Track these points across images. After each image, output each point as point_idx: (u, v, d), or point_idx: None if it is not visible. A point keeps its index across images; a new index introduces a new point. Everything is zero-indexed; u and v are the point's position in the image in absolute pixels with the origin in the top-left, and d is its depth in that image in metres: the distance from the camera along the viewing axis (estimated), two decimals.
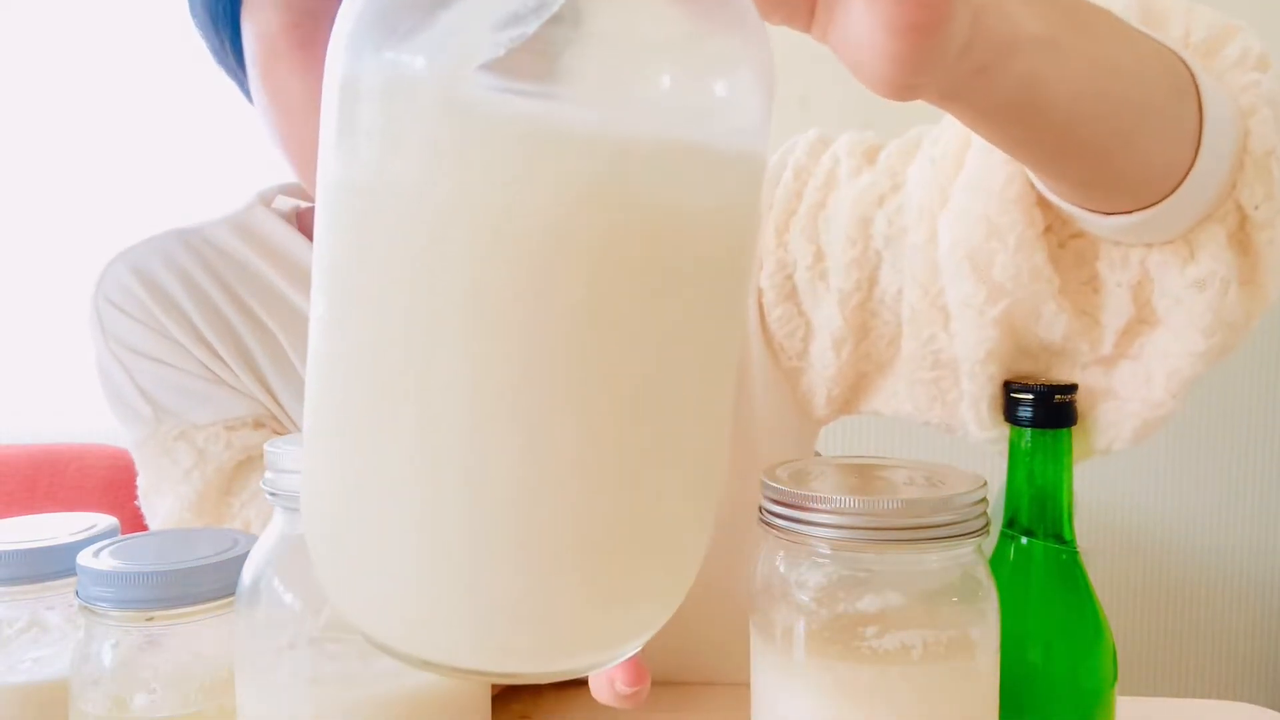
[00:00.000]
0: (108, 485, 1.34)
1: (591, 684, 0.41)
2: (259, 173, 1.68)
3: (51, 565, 0.50)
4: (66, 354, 1.64)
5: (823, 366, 0.64)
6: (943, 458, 0.51)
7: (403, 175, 0.23)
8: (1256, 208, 0.48)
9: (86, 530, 0.52)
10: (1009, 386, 0.50)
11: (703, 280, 0.25)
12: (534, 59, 0.22)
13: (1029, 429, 0.49)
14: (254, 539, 0.46)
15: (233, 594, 0.45)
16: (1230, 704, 0.66)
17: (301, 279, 0.69)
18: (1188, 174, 0.46)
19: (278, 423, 0.71)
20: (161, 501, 0.69)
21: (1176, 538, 1.74)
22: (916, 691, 0.41)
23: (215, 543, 0.49)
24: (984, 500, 0.42)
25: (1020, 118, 0.41)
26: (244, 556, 0.45)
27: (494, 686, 0.46)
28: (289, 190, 0.74)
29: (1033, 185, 0.51)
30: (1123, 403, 0.53)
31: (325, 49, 0.26)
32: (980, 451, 0.63)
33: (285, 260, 0.70)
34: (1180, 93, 0.46)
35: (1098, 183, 0.47)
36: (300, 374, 0.69)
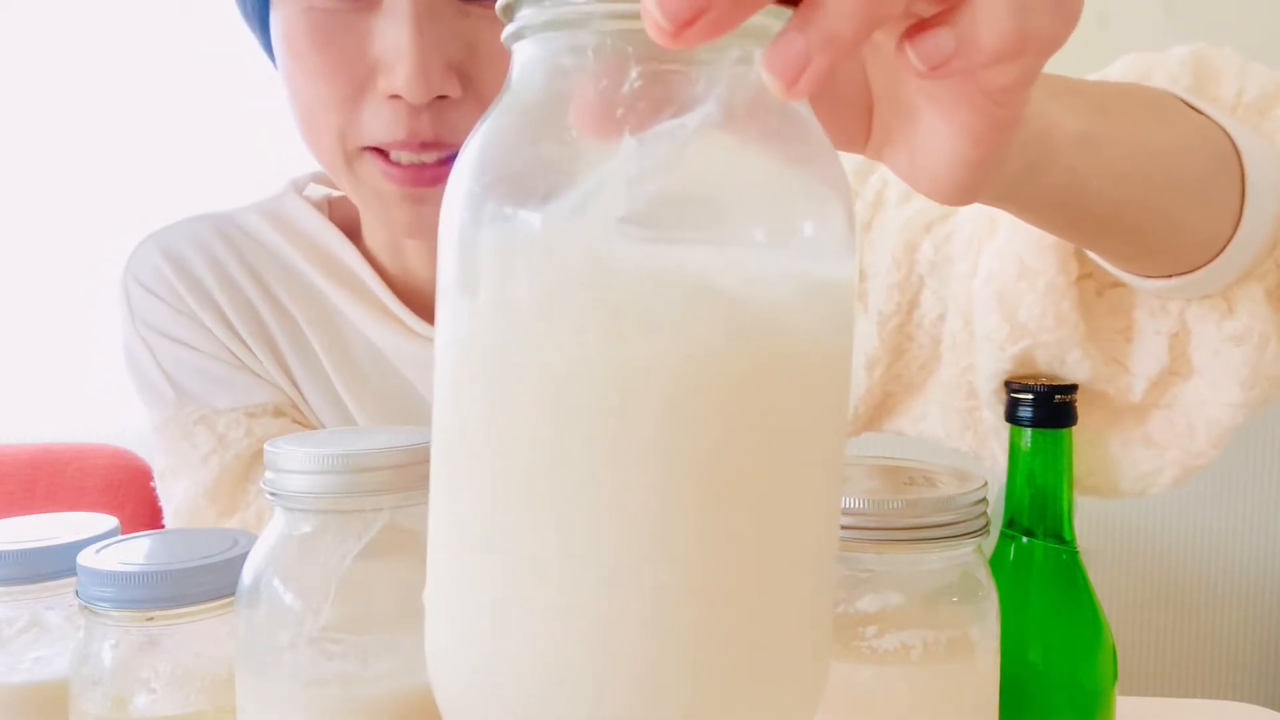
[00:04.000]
0: (108, 485, 1.34)
1: None
2: (259, 173, 1.67)
3: (51, 565, 0.50)
4: (67, 354, 1.64)
5: (853, 386, 0.64)
6: (943, 458, 0.51)
7: (548, 328, 0.24)
8: None
9: (86, 530, 0.52)
10: (1009, 386, 0.50)
11: (822, 405, 0.26)
12: (667, 210, 0.24)
13: (1029, 429, 0.49)
14: (254, 539, 0.46)
15: (233, 594, 0.45)
16: (1230, 704, 0.66)
17: (330, 269, 0.69)
18: (1229, 242, 0.47)
19: (299, 412, 0.70)
20: (178, 484, 0.69)
21: (1176, 538, 1.74)
22: (916, 691, 0.41)
23: (215, 543, 0.49)
24: (984, 500, 0.42)
25: (1065, 209, 0.41)
26: (244, 556, 0.45)
27: None
28: (319, 178, 0.74)
29: None
30: (1162, 451, 0.54)
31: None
32: None
33: (315, 248, 0.70)
34: (1222, 163, 0.46)
35: (1139, 257, 0.47)
36: (325, 373, 0.69)
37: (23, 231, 1.61)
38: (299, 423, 0.70)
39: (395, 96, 0.55)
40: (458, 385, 0.26)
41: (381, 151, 0.57)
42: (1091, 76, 0.52)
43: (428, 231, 0.56)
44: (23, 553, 0.50)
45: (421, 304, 0.68)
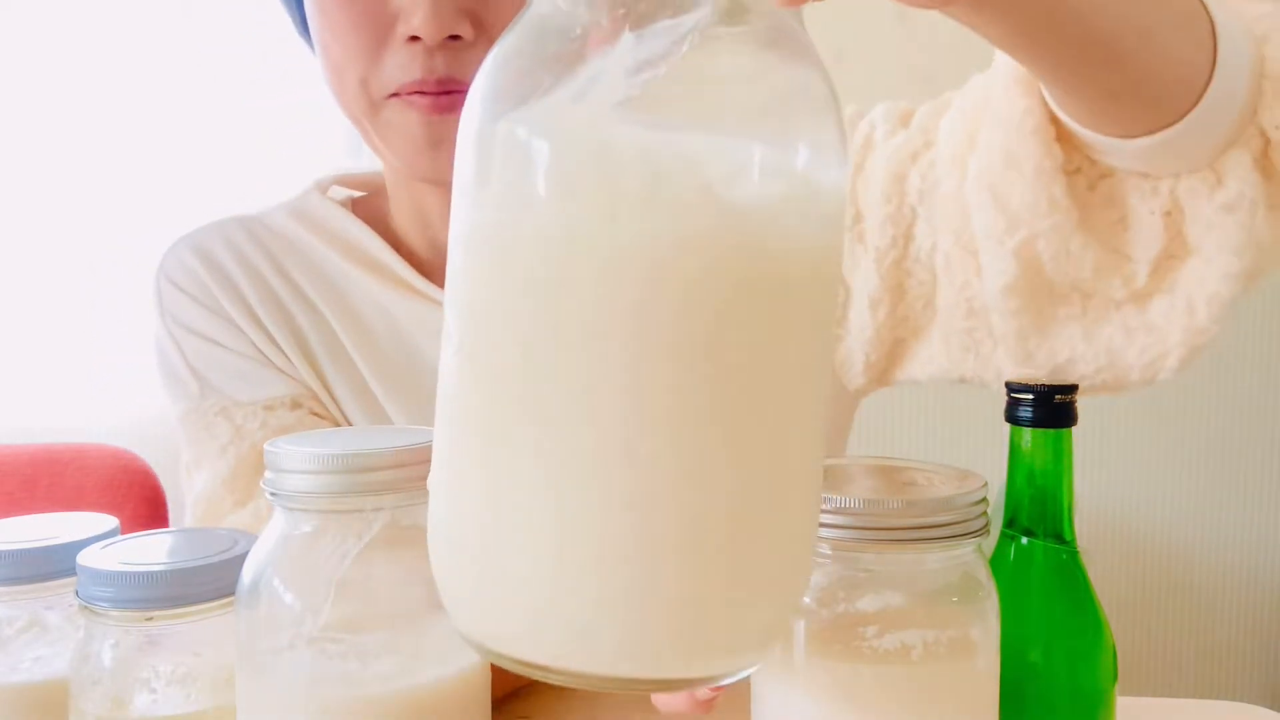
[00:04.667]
0: (108, 485, 1.34)
1: (664, 697, 0.40)
2: (258, 173, 1.67)
3: (51, 565, 0.50)
4: (67, 354, 1.64)
5: (860, 329, 0.65)
6: (943, 458, 0.51)
7: (553, 210, 0.25)
8: (1277, 128, 0.49)
9: (86, 530, 0.52)
10: (1009, 386, 0.50)
11: (806, 293, 0.27)
12: (662, 98, 0.25)
13: (1029, 429, 0.49)
14: (254, 539, 0.46)
15: (233, 594, 0.45)
16: (1230, 704, 0.66)
17: (356, 256, 0.72)
18: (1206, 89, 0.47)
19: (318, 403, 0.72)
20: (200, 475, 0.71)
21: (1176, 538, 1.74)
22: (916, 691, 0.41)
23: (215, 543, 0.49)
24: (984, 500, 0.42)
25: (1042, 18, 0.42)
26: (244, 556, 0.45)
27: (495, 688, 0.46)
28: (343, 180, 0.77)
29: (1052, 120, 0.52)
30: (1164, 335, 0.54)
31: None
32: (980, 452, 0.64)
33: (342, 242, 0.72)
34: (1189, 11, 0.47)
35: (1119, 91, 0.47)
36: (353, 363, 0.71)
37: (23, 232, 1.61)
38: (316, 414, 0.71)
39: (413, 39, 0.60)
40: (468, 270, 0.28)
41: (403, 97, 0.62)
42: None
43: (440, 171, 0.61)
44: (23, 553, 0.50)
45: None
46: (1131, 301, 0.55)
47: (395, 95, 0.62)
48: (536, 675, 0.29)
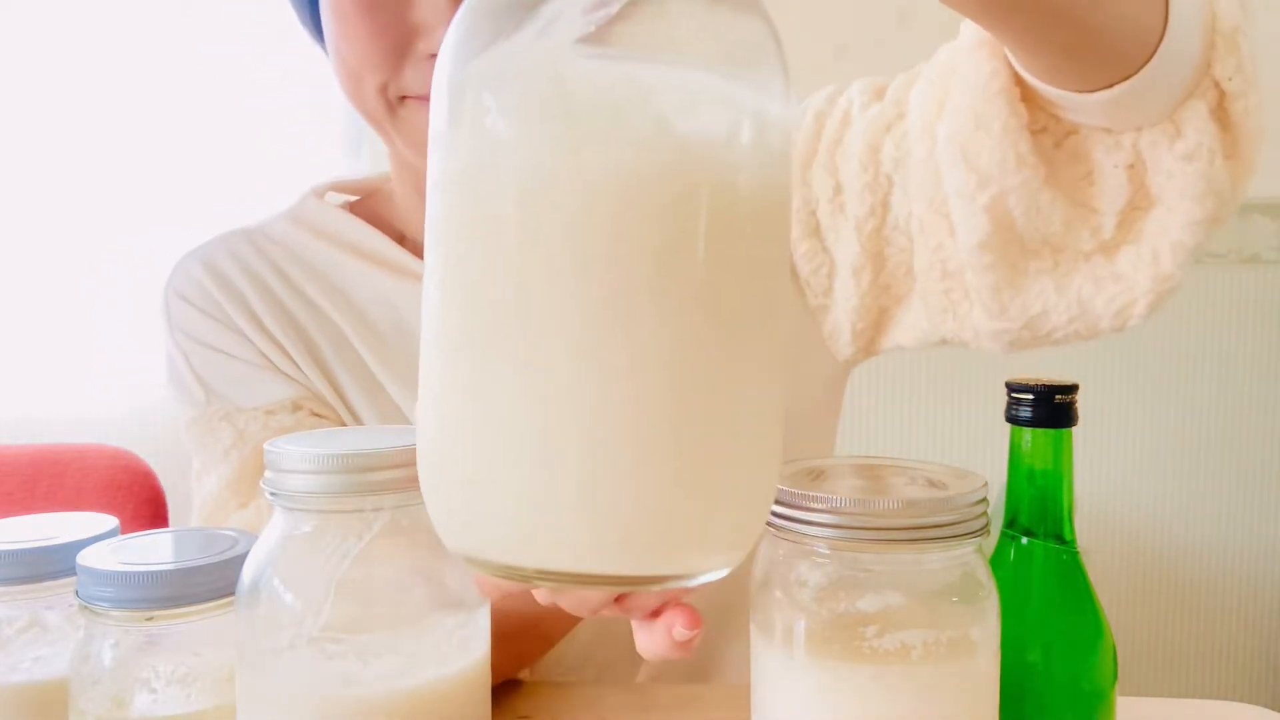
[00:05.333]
0: (108, 485, 1.34)
1: (646, 639, 0.42)
2: (257, 174, 1.67)
3: (51, 565, 0.50)
4: (67, 354, 1.64)
5: (845, 299, 0.68)
6: (943, 458, 0.51)
7: (518, 143, 0.28)
8: (1230, 79, 0.51)
9: (86, 530, 0.52)
10: (1009, 386, 0.49)
11: (755, 224, 0.30)
12: (618, 33, 0.27)
13: (1029, 429, 0.49)
14: (254, 539, 0.46)
15: (233, 594, 0.45)
16: (1230, 704, 0.66)
17: (356, 254, 0.74)
18: (1159, 44, 0.49)
19: (320, 403, 0.74)
20: (207, 480, 0.73)
21: (1176, 538, 1.74)
22: (916, 691, 0.41)
23: (215, 543, 0.49)
24: (984, 500, 0.42)
25: None
26: (244, 556, 0.45)
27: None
28: (337, 186, 0.80)
29: (1017, 81, 0.54)
30: (1132, 283, 0.57)
31: None
32: (980, 452, 0.64)
33: (341, 240, 0.74)
34: None
35: (1075, 48, 0.49)
36: (360, 359, 0.73)
37: (23, 232, 1.61)
38: (316, 414, 0.73)
39: (435, 56, 0.60)
40: (445, 209, 0.30)
41: (423, 98, 0.64)
42: None
43: None
44: (23, 553, 0.50)
45: None
46: (1100, 252, 0.57)
47: (413, 96, 0.64)
48: (524, 580, 0.31)
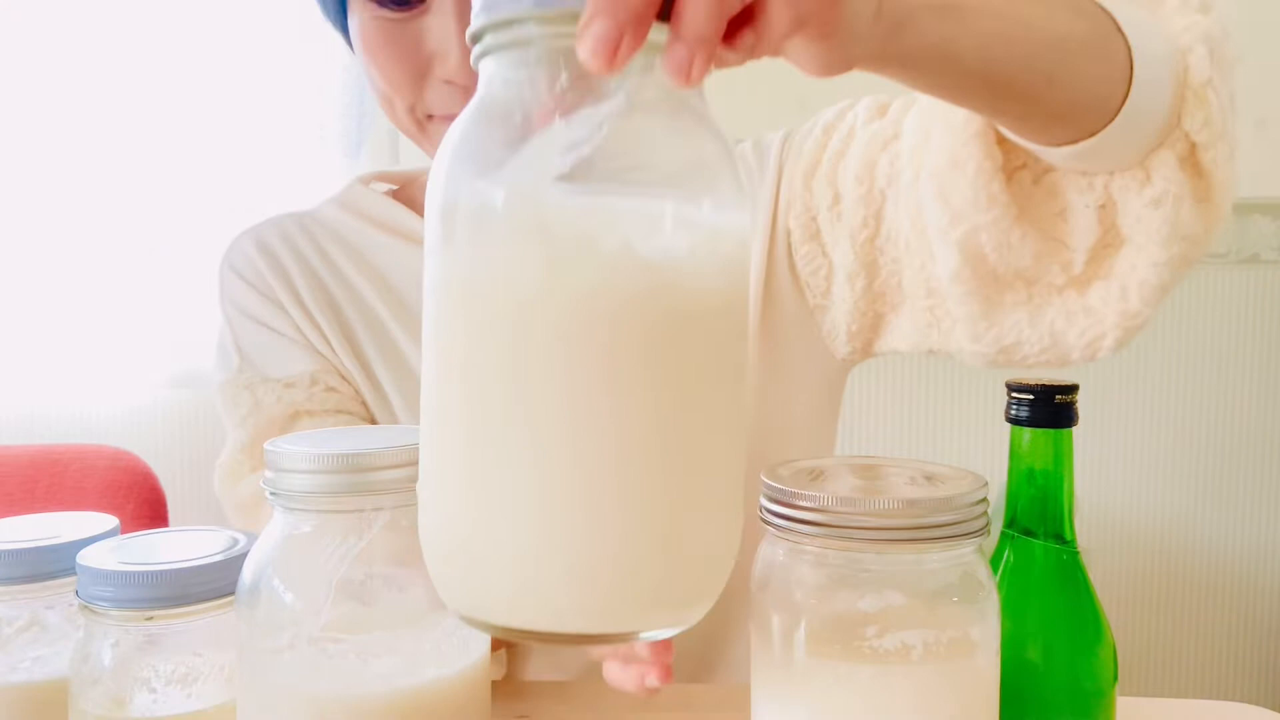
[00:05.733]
0: (108, 485, 1.34)
1: (618, 674, 0.47)
2: (257, 174, 1.67)
3: (51, 565, 0.50)
4: (67, 354, 1.64)
5: (841, 301, 0.72)
6: (943, 458, 0.51)
7: (501, 263, 0.32)
8: (1198, 131, 0.54)
9: (86, 530, 0.52)
10: (1009, 386, 0.50)
11: (716, 325, 0.34)
12: (591, 170, 0.32)
13: (1029, 429, 0.49)
14: (254, 539, 0.46)
15: (233, 594, 0.45)
16: (1230, 704, 0.66)
17: (390, 231, 0.81)
18: (1120, 109, 0.51)
19: (338, 378, 0.80)
20: (227, 444, 0.81)
21: (1176, 538, 1.74)
22: (916, 691, 0.41)
23: (215, 543, 0.49)
24: (984, 500, 0.42)
25: (940, 69, 0.46)
26: (244, 556, 0.45)
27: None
28: (381, 177, 0.87)
29: (992, 124, 0.57)
30: (1101, 318, 0.59)
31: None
32: (980, 452, 0.64)
33: (383, 223, 0.82)
34: (1103, 35, 0.51)
35: (1034, 117, 0.52)
36: (389, 335, 0.80)
37: (24, 233, 1.61)
38: (331, 388, 0.79)
39: (449, 80, 0.68)
40: (439, 317, 0.34)
41: (446, 117, 0.71)
42: None
43: None
44: (23, 552, 0.50)
45: None
46: (1071, 287, 0.60)
47: (438, 115, 0.71)
48: (517, 639, 0.34)
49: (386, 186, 0.86)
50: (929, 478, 0.44)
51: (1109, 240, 0.58)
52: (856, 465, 0.47)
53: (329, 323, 0.80)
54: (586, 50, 0.30)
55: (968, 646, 0.41)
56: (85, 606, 0.46)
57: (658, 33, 0.31)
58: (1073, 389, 0.49)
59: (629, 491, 0.32)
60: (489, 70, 0.34)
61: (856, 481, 0.44)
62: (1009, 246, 0.58)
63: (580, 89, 0.32)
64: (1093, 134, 0.52)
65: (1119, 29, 0.51)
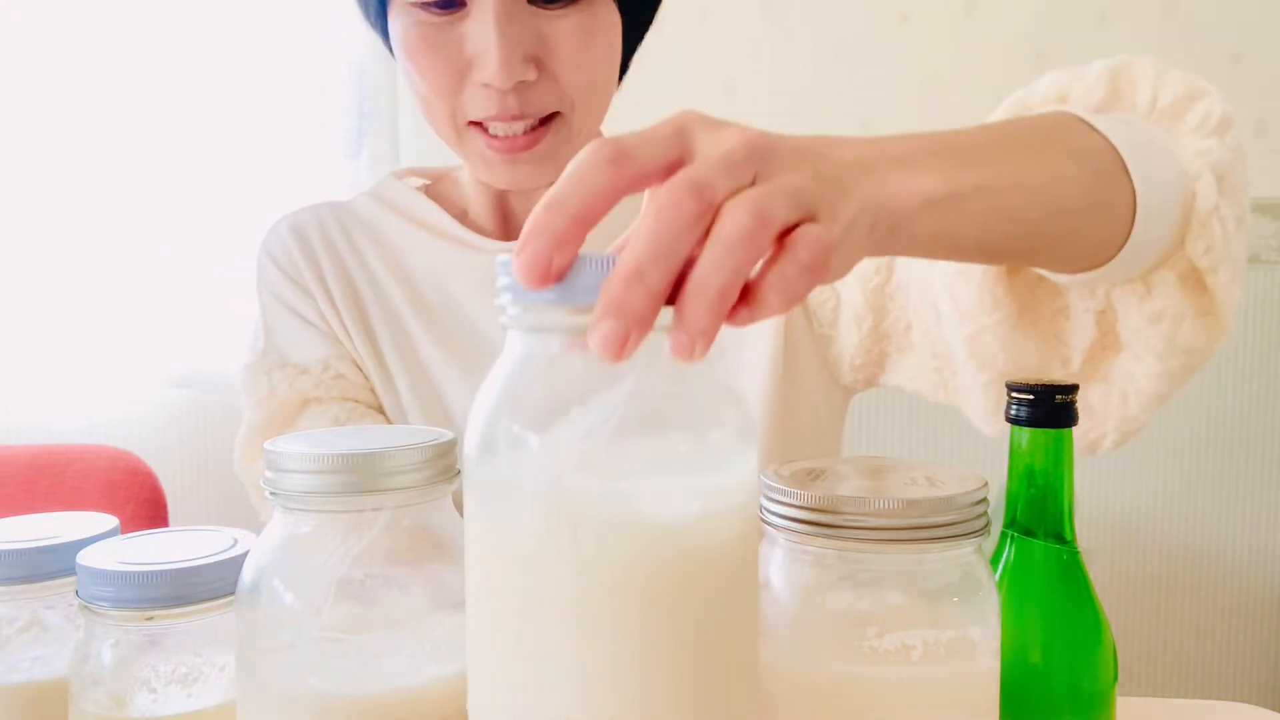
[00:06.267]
0: (108, 485, 1.34)
1: None
2: (261, 176, 1.67)
3: (51, 565, 0.50)
4: (67, 355, 1.64)
5: (846, 335, 0.74)
6: (943, 458, 0.51)
7: (534, 537, 0.35)
8: (1200, 257, 0.54)
9: (86, 530, 0.52)
10: (1009, 386, 0.50)
11: (726, 581, 0.37)
12: (604, 455, 0.35)
13: (1029, 429, 0.49)
14: (254, 539, 0.46)
15: (233, 594, 0.45)
16: (1230, 704, 0.66)
17: (411, 221, 0.85)
18: (1122, 246, 0.52)
19: (350, 364, 0.83)
20: (244, 423, 0.84)
21: (1176, 538, 1.74)
22: (916, 691, 0.41)
23: (215, 543, 0.49)
24: (984, 500, 0.42)
25: (939, 253, 0.48)
26: (244, 556, 0.45)
27: None
28: (415, 172, 0.90)
29: None
30: (1102, 419, 0.60)
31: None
32: (980, 451, 0.64)
33: (410, 215, 0.85)
34: (1106, 184, 0.51)
35: (1038, 264, 0.55)
36: (403, 324, 0.83)
37: (24, 233, 1.61)
38: (341, 375, 0.82)
39: (487, 84, 0.70)
40: (481, 565, 0.38)
41: (481, 125, 0.73)
42: (1017, 93, 0.60)
43: (521, 184, 0.75)
44: (23, 552, 0.50)
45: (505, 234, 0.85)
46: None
47: (476, 124, 0.73)
48: None
49: (420, 181, 0.89)
50: (929, 478, 0.44)
51: (1107, 343, 0.59)
52: (856, 465, 0.47)
53: (349, 309, 0.83)
54: (596, 344, 0.33)
55: (968, 646, 0.41)
56: (85, 606, 0.46)
57: (664, 314, 0.34)
58: (1073, 389, 0.49)
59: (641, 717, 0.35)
60: (514, 342, 0.38)
61: (856, 481, 0.44)
62: (1014, 344, 0.60)
63: (595, 369, 0.35)
64: (1093, 269, 0.54)
65: (1124, 167, 0.51)
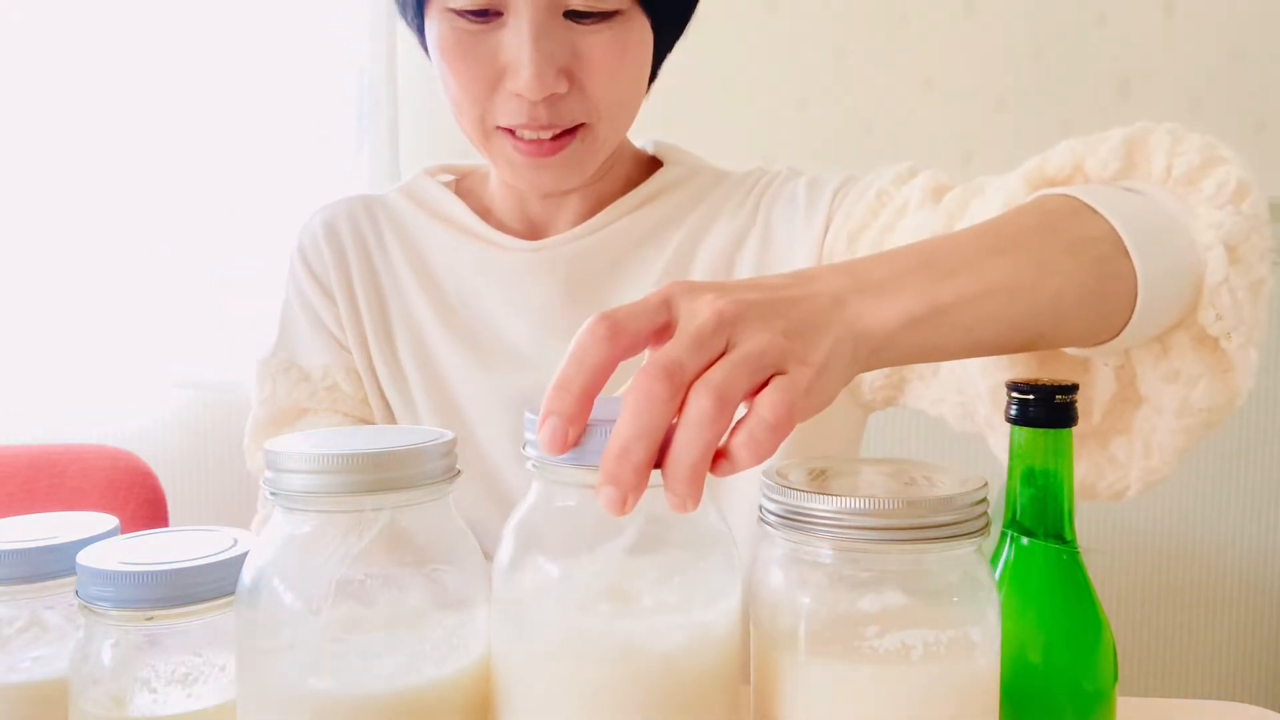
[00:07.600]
0: (108, 485, 1.34)
1: None
2: (262, 176, 1.67)
3: (51, 565, 0.50)
4: (67, 355, 1.64)
5: None
6: (943, 458, 0.51)
7: (547, 657, 0.43)
8: (1211, 325, 0.55)
9: (86, 530, 0.52)
10: (1010, 386, 0.50)
11: (710, 698, 0.43)
12: (608, 594, 0.43)
13: (1029, 429, 0.49)
14: (254, 538, 0.46)
15: (233, 594, 0.45)
16: (1230, 704, 0.66)
17: (437, 217, 0.86)
18: (1124, 327, 0.53)
19: (346, 374, 0.84)
20: (251, 414, 0.86)
21: (1176, 538, 1.74)
22: (916, 691, 0.41)
23: (215, 543, 0.49)
24: (984, 500, 0.42)
25: (935, 359, 0.49)
26: (244, 556, 0.45)
27: None
28: (447, 169, 0.92)
29: None
30: (1126, 470, 0.60)
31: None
32: (980, 452, 0.64)
33: (435, 210, 0.87)
34: (1102, 271, 0.52)
35: (1038, 349, 0.54)
36: (418, 322, 0.84)
37: (23, 234, 1.61)
38: (333, 386, 0.83)
39: (518, 94, 0.71)
40: (504, 666, 0.44)
41: (510, 130, 0.74)
42: (1034, 160, 0.61)
43: (545, 188, 0.78)
44: (23, 552, 0.50)
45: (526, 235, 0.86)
46: (1093, 437, 0.61)
47: (505, 129, 0.74)
48: None
49: (448, 177, 0.91)
50: (928, 478, 0.44)
51: (1127, 395, 0.59)
52: (856, 465, 0.47)
53: (369, 306, 0.84)
54: (601, 504, 0.39)
55: (968, 646, 0.41)
56: (85, 606, 0.46)
57: (657, 474, 0.40)
58: (1073, 389, 0.49)
59: None
60: (538, 488, 0.44)
61: (857, 482, 0.44)
62: None
63: (602, 519, 0.40)
64: (1100, 345, 0.55)
65: (1126, 250, 0.52)
